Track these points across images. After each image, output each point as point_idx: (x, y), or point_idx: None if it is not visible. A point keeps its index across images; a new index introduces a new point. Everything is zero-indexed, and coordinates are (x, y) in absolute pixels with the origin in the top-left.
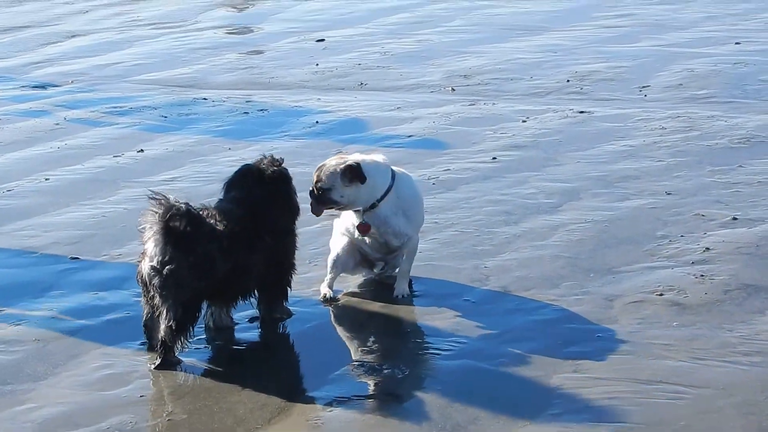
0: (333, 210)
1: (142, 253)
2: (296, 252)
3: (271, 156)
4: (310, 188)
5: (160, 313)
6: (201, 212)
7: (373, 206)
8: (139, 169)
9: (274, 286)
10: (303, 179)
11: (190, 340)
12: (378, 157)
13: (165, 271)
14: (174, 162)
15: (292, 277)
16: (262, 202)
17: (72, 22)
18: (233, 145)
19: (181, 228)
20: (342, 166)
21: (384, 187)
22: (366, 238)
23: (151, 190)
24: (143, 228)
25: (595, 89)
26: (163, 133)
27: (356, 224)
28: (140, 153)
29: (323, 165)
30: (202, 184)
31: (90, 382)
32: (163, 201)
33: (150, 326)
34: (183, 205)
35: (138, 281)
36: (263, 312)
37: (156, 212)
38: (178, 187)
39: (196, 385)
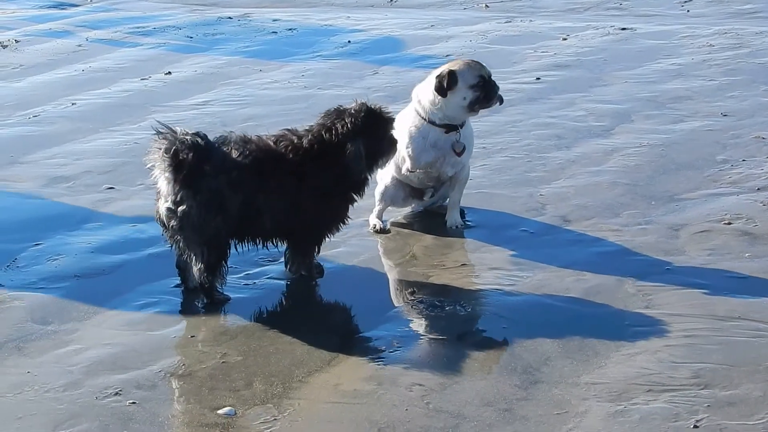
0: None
1: (157, 192)
2: (338, 217)
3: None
4: (489, 80)
5: (188, 255)
6: (216, 142)
7: (463, 124)
8: (168, 93)
9: (300, 238)
10: (341, 101)
11: (225, 277)
12: None
13: (179, 213)
14: (204, 85)
15: (324, 237)
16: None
17: None
18: (264, 67)
19: (188, 163)
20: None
21: None
22: (414, 174)
23: (158, 122)
24: (152, 166)
25: (635, 4)
26: (190, 54)
27: (454, 146)
28: (168, 75)
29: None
30: (235, 107)
31: (136, 321)
32: (168, 135)
33: (182, 267)
34: (189, 138)
35: (157, 221)
36: (288, 263)
37: (160, 149)
38: (210, 111)
39: (248, 326)
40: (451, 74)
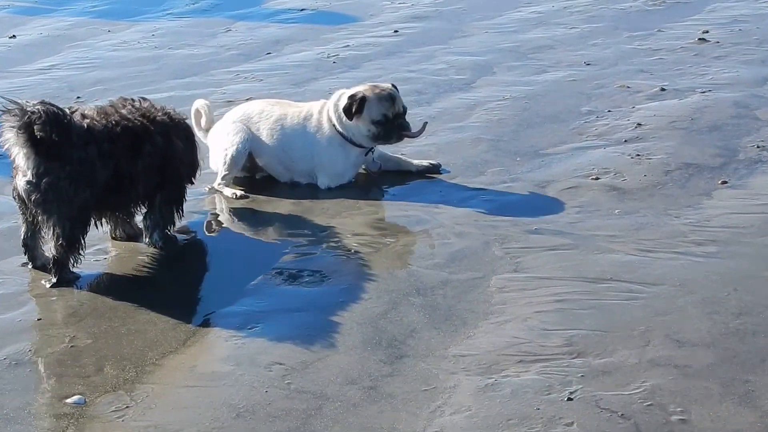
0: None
1: (14, 168)
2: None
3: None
4: (403, 115)
5: (47, 229)
6: (71, 112)
7: None
8: (12, 57)
9: (159, 203)
10: (193, 61)
11: (83, 254)
12: None
13: (42, 186)
14: (50, 48)
15: (184, 196)
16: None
17: None
18: (113, 27)
19: (48, 135)
20: None
21: None
22: None
23: (2, 98)
24: (7, 145)
25: None
26: (36, 15)
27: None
28: (12, 39)
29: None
30: (83, 71)
31: None
32: (18, 110)
33: (31, 245)
34: (43, 108)
35: (14, 198)
36: (147, 232)
37: (14, 125)
38: (57, 76)
39: (99, 306)
40: (362, 100)
